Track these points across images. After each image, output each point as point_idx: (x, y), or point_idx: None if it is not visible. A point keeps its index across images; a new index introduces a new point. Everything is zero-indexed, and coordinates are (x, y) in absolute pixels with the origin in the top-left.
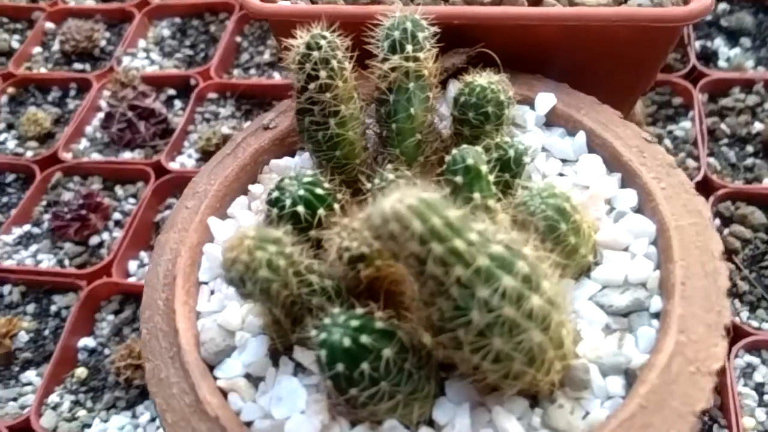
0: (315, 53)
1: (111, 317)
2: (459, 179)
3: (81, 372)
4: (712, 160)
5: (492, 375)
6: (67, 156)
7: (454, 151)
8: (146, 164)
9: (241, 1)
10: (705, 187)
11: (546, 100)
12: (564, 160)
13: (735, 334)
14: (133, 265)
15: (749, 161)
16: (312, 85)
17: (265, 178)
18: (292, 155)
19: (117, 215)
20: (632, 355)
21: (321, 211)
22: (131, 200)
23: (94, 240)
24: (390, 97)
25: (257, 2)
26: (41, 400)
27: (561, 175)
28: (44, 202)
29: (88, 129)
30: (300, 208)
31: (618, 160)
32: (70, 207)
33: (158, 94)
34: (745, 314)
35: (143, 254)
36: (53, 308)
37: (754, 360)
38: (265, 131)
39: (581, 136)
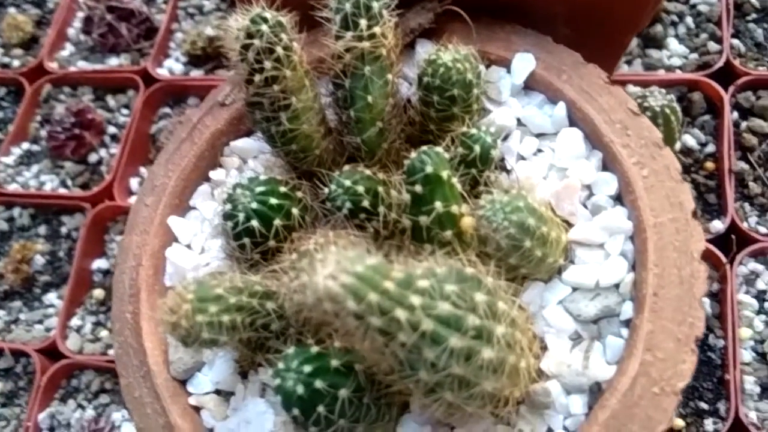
0: (256, 42)
1: (120, 237)
2: (419, 189)
3: (98, 293)
4: (736, 42)
5: (449, 411)
6: (53, 66)
7: (413, 155)
8: (134, 72)
9: None
10: (726, 75)
11: (524, 63)
12: (541, 134)
13: (741, 240)
14: (134, 183)
15: None
16: (257, 78)
17: (226, 161)
18: (252, 134)
19: (112, 129)
20: (597, 371)
21: (277, 222)
22: (124, 111)
23: (92, 157)
24: (346, 83)
25: None
26: (64, 322)
27: (539, 151)
28: (38, 117)
29: (71, 32)
30: (254, 223)
31: (599, 139)
32: (63, 125)
33: None
34: (753, 219)
35: (143, 170)
36: (63, 230)
37: (759, 267)
38: (222, 108)
39: (561, 108)
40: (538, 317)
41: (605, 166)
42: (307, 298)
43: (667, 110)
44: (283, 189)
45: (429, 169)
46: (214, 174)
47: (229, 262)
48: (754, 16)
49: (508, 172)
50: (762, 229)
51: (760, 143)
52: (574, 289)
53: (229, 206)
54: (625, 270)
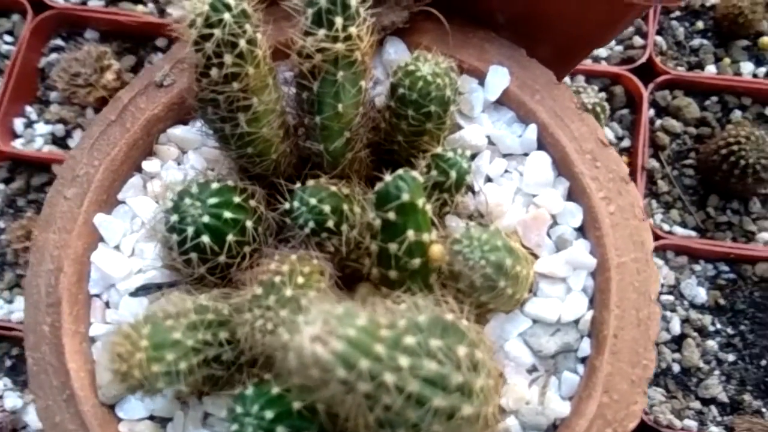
0: (217, 33)
1: (2, 186)
2: (392, 216)
3: None
4: (660, 39)
5: None
6: None
7: (387, 178)
8: None
9: None
10: (647, 72)
11: (498, 79)
12: (509, 155)
13: None
14: (18, 124)
15: (696, 41)
16: (214, 72)
17: (162, 150)
18: (191, 118)
19: None
20: (554, 408)
21: (230, 238)
22: (8, 38)
23: None
24: (314, 86)
25: None
26: None
27: (506, 172)
28: None
29: None
30: (205, 239)
31: (569, 169)
32: None
33: None
34: (659, 216)
35: (29, 110)
36: None
37: (659, 262)
38: (159, 90)
39: (532, 131)
40: (498, 350)
41: (570, 196)
42: (289, 362)
43: (598, 108)
44: (237, 199)
45: (405, 197)
46: (147, 164)
47: (166, 271)
48: (678, 13)
49: (473, 192)
50: (665, 227)
51: (671, 142)
52: (534, 322)
53: (175, 217)
54: (585, 307)
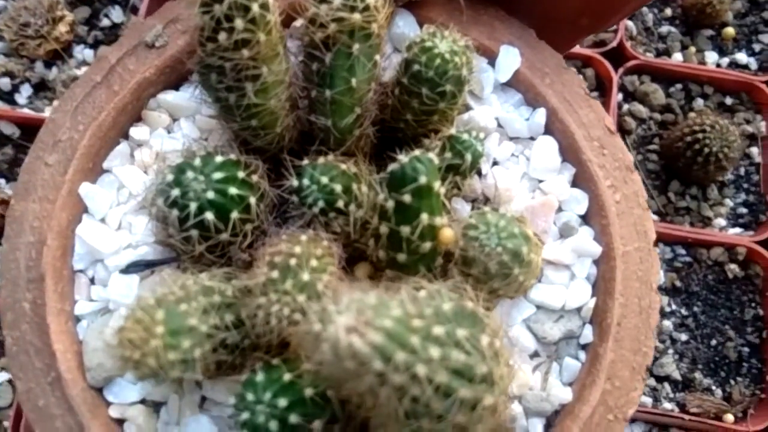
0: None
1: None
2: (407, 199)
3: None
4: (631, 23)
5: None
6: None
7: (404, 160)
8: None
9: None
10: (617, 56)
11: (510, 59)
12: (515, 138)
13: None
14: None
15: (665, 28)
16: (223, 37)
17: (151, 116)
18: (183, 83)
19: None
20: (557, 394)
21: (235, 215)
22: None
23: None
24: (326, 58)
25: None
26: None
27: (512, 155)
28: None
29: None
30: (209, 216)
31: (576, 155)
32: None
33: None
34: None
35: None
36: None
37: None
38: (150, 51)
39: (542, 115)
40: (503, 336)
41: (575, 182)
42: (323, 354)
43: None
44: (241, 174)
45: (423, 180)
46: (135, 131)
47: (159, 248)
48: None
49: (479, 175)
50: None
51: (636, 127)
52: (538, 308)
53: (177, 192)
54: (589, 294)
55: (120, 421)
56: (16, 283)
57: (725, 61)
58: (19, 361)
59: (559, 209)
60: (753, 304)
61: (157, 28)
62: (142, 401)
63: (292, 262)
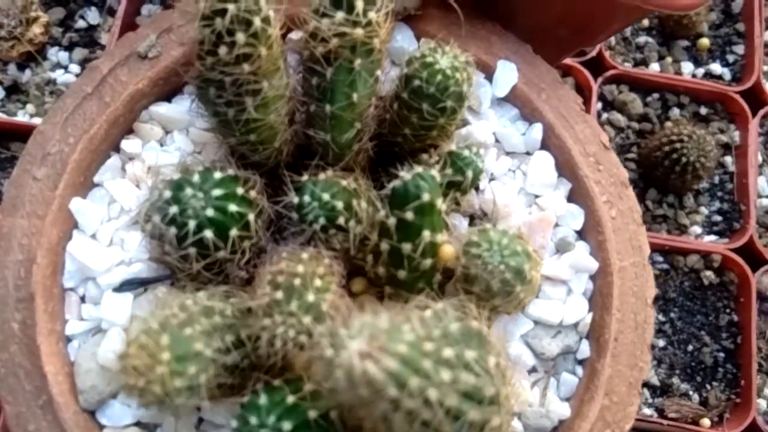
0: (231, 8)
1: None
2: (410, 216)
3: None
4: None
5: None
6: None
7: (406, 177)
8: None
9: None
10: (597, 66)
11: (507, 75)
12: (511, 153)
13: None
14: None
15: (642, 38)
16: (223, 51)
17: (143, 129)
18: (176, 95)
19: None
20: (556, 410)
21: (234, 233)
22: None
23: None
24: (327, 72)
25: None
26: None
27: (509, 171)
28: None
29: None
30: (208, 234)
31: (573, 171)
32: None
33: None
34: None
35: None
36: None
37: None
38: (143, 61)
39: (538, 131)
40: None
41: (571, 198)
42: (336, 381)
43: None
44: (240, 191)
45: (426, 198)
46: (126, 144)
47: (153, 265)
48: None
49: (477, 190)
50: None
51: (615, 136)
52: (536, 323)
53: (175, 209)
54: (586, 309)
55: None
56: (5, 302)
57: (700, 71)
58: (7, 384)
59: (556, 224)
60: (728, 311)
61: (151, 39)
62: (137, 424)
63: (296, 282)
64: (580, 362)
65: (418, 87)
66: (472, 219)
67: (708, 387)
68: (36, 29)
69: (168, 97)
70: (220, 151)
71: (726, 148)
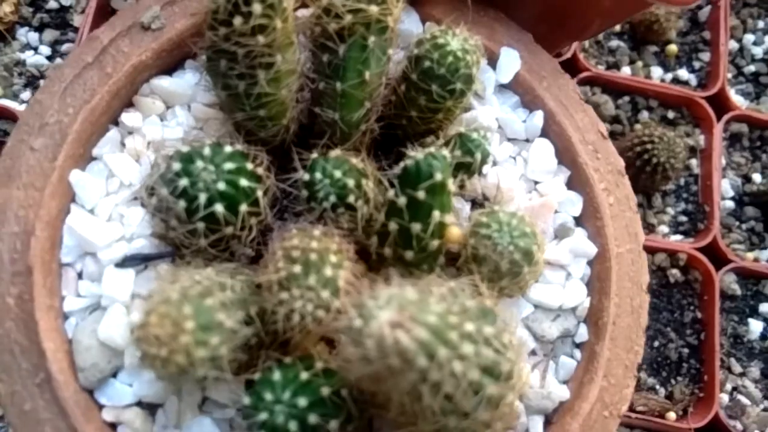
0: None
1: None
2: (421, 195)
3: None
4: None
5: None
6: None
7: (418, 156)
8: None
9: None
10: (571, 67)
11: (511, 62)
12: (512, 139)
13: None
14: None
15: (614, 42)
16: (238, 21)
17: (144, 102)
18: (176, 69)
19: None
20: (556, 392)
21: (243, 208)
22: None
23: None
24: (339, 49)
25: None
26: None
27: (510, 157)
28: None
29: None
30: (219, 208)
31: (573, 159)
32: None
33: None
34: None
35: None
36: None
37: None
38: (145, 33)
39: (539, 118)
40: None
41: (569, 185)
42: (366, 350)
43: None
44: (250, 166)
45: (438, 177)
46: (126, 117)
47: (156, 241)
48: None
49: (480, 174)
50: None
51: None
52: (536, 307)
53: (185, 181)
54: (584, 294)
55: (114, 425)
56: None
57: (669, 76)
58: (1, 362)
59: (555, 211)
60: (692, 308)
61: (155, 10)
62: (138, 403)
63: (313, 256)
64: (578, 346)
65: (429, 68)
66: (473, 203)
67: (673, 381)
68: (6, 8)
69: (169, 71)
70: (223, 127)
71: (692, 151)
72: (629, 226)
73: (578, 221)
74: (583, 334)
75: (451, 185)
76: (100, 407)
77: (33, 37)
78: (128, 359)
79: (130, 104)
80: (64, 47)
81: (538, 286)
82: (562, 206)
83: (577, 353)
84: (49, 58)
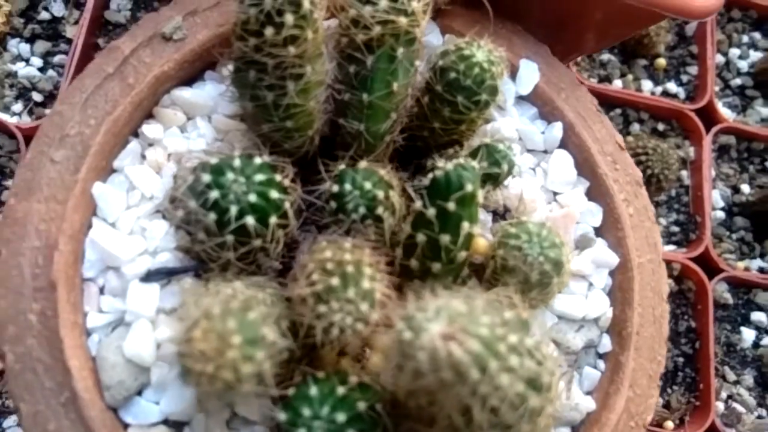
0: None
1: None
2: (451, 207)
3: None
4: None
5: None
6: None
7: (447, 167)
8: None
9: None
10: None
11: (530, 74)
12: (531, 150)
13: None
14: None
15: (605, 56)
16: (270, 32)
17: (164, 114)
18: (196, 80)
19: None
20: (583, 404)
21: (273, 221)
22: None
23: None
24: (368, 60)
25: None
26: None
27: (530, 168)
28: None
29: None
30: (250, 220)
31: (593, 170)
32: None
33: None
34: None
35: None
36: None
37: None
38: (167, 43)
39: (559, 129)
40: None
41: (589, 196)
42: (417, 364)
43: None
44: (279, 178)
45: (469, 188)
46: (147, 129)
47: (179, 254)
48: None
49: (501, 186)
50: None
51: None
52: (559, 318)
53: (216, 194)
54: (607, 304)
55: None
56: (20, 292)
57: (659, 89)
58: (23, 381)
59: (576, 222)
60: (686, 317)
61: (177, 20)
62: (164, 422)
63: (350, 269)
64: (601, 356)
65: (454, 79)
66: (494, 214)
67: (669, 391)
68: None
69: (189, 82)
70: (245, 138)
71: (682, 162)
72: (649, 236)
73: (598, 232)
74: (606, 344)
75: (480, 197)
76: (125, 426)
77: (24, 48)
78: (155, 376)
79: (150, 115)
80: (56, 59)
81: (562, 296)
82: (583, 217)
83: (601, 364)
84: (41, 69)
